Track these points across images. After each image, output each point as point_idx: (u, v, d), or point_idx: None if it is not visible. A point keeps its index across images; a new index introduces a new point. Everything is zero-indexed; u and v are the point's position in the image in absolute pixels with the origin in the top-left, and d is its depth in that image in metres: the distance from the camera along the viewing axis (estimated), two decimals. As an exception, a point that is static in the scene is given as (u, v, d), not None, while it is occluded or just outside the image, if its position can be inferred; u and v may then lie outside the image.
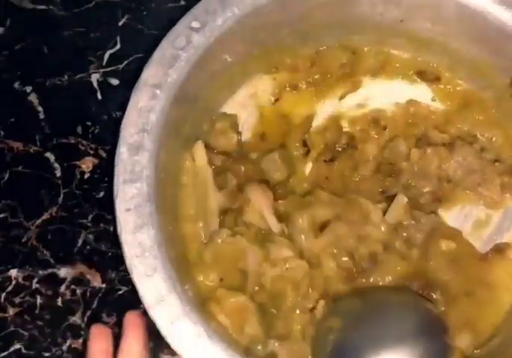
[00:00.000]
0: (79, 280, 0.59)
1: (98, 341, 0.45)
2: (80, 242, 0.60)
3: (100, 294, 0.59)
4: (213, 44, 0.49)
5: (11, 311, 0.59)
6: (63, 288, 0.59)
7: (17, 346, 0.58)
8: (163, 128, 0.47)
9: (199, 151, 0.52)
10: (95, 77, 0.65)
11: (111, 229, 0.60)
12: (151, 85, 0.47)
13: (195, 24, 0.48)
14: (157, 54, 0.48)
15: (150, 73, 0.47)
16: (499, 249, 0.52)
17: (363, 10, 0.54)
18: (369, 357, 0.43)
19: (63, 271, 0.60)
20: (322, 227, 0.50)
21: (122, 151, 0.45)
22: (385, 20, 0.55)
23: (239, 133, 0.55)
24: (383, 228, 0.50)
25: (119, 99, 0.64)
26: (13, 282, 0.59)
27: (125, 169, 0.45)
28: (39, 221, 0.61)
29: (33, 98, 0.64)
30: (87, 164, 0.63)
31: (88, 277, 0.59)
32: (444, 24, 0.54)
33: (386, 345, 0.43)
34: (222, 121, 0.55)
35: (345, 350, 0.44)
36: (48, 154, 0.63)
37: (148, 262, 0.43)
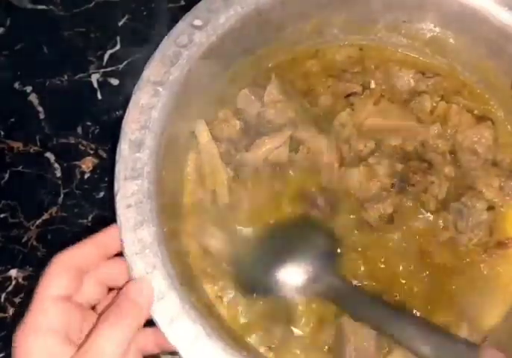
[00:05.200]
0: (79, 280, 0.59)
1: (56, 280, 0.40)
2: (80, 242, 0.60)
3: (100, 295, 0.59)
4: (215, 42, 0.49)
5: (11, 311, 0.58)
6: (63, 288, 0.59)
7: (17, 346, 0.58)
8: (164, 126, 0.47)
9: (202, 129, 0.53)
10: (95, 77, 0.65)
11: (111, 229, 0.60)
12: (153, 82, 0.47)
13: (198, 22, 0.48)
14: (159, 52, 0.48)
15: (152, 70, 0.47)
16: (502, 244, 0.53)
17: (365, 9, 0.54)
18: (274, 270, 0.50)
19: (63, 271, 0.59)
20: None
21: (123, 148, 0.45)
22: (387, 20, 0.55)
23: (241, 120, 0.55)
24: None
25: (119, 99, 0.64)
26: (13, 282, 0.59)
27: (126, 166, 0.44)
28: (39, 221, 0.61)
29: (33, 98, 0.64)
30: (87, 164, 0.63)
31: (88, 277, 0.59)
32: (446, 25, 0.54)
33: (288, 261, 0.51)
34: (224, 109, 0.55)
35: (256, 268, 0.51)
36: (48, 154, 0.63)
37: (148, 260, 0.42)
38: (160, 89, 0.47)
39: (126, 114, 0.46)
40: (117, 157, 0.45)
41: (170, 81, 0.47)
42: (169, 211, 0.48)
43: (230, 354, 0.41)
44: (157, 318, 0.41)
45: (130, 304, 0.40)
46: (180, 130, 0.51)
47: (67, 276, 0.40)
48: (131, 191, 0.44)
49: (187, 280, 0.46)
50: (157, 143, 0.46)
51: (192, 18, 0.48)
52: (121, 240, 0.42)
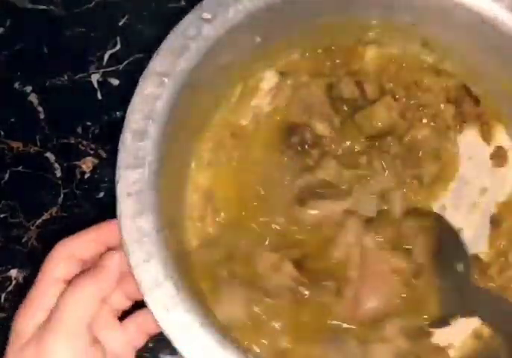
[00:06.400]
0: (79, 280, 0.59)
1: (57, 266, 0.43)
2: (80, 242, 0.60)
3: (100, 294, 0.59)
4: (223, 36, 0.49)
5: (11, 311, 0.58)
6: (63, 288, 0.59)
7: (17, 346, 0.58)
8: (169, 116, 0.46)
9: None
10: (95, 77, 0.65)
11: (111, 229, 0.60)
12: (159, 73, 0.47)
13: (207, 16, 0.48)
14: (166, 43, 0.48)
15: (158, 61, 0.47)
16: None
17: (374, 11, 0.54)
18: None
19: (63, 271, 0.59)
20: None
21: (126, 137, 0.45)
22: (397, 23, 0.55)
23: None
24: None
25: (119, 99, 0.64)
26: (13, 282, 0.59)
27: (128, 155, 0.45)
28: (39, 221, 0.61)
29: (33, 98, 0.64)
30: (87, 164, 0.63)
31: (88, 277, 0.59)
32: (455, 31, 0.53)
33: None
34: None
35: None
36: (48, 154, 0.63)
37: (146, 248, 0.42)
38: (166, 80, 0.47)
39: (130, 103, 0.46)
40: (120, 146, 0.45)
41: (176, 73, 0.47)
42: (170, 201, 0.48)
43: (224, 347, 0.41)
44: (152, 307, 0.41)
45: (100, 268, 0.43)
46: (186, 122, 0.51)
47: (69, 262, 0.43)
48: (132, 179, 0.44)
49: (185, 271, 0.46)
50: (161, 133, 0.46)
51: (201, 11, 0.48)
52: (120, 227, 0.42)
